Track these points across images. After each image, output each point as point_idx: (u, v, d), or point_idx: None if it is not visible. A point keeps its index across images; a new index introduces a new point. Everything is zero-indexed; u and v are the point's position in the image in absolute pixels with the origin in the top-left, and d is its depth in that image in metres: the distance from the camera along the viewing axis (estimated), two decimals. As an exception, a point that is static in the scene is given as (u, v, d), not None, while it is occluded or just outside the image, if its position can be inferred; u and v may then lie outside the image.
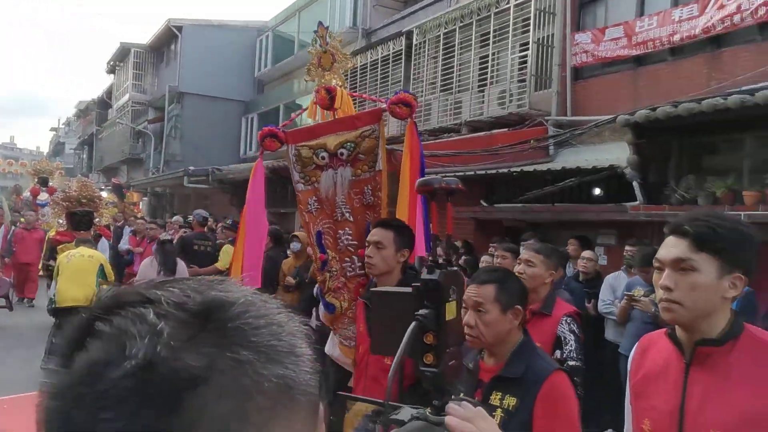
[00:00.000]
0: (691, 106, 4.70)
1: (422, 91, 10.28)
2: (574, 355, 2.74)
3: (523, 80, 8.23)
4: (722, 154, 5.63)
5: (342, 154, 3.45)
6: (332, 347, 3.35)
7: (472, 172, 7.43)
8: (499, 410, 1.94)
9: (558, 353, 2.73)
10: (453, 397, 0.76)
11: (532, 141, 7.38)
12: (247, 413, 0.42)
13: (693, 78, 6.45)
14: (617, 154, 6.16)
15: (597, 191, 6.89)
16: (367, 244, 2.82)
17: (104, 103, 30.13)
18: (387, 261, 2.75)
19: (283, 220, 14.52)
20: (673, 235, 1.56)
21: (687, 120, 4.91)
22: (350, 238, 3.39)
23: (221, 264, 7.78)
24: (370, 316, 2.81)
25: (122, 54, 24.99)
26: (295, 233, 8.01)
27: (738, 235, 1.50)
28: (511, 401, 1.92)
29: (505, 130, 8.24)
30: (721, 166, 5.52)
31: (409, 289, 0.77)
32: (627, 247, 5.35)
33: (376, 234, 2.78)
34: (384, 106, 3.48)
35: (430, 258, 0.75)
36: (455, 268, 0.77)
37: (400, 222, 2.87)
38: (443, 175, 5.98)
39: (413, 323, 0.70)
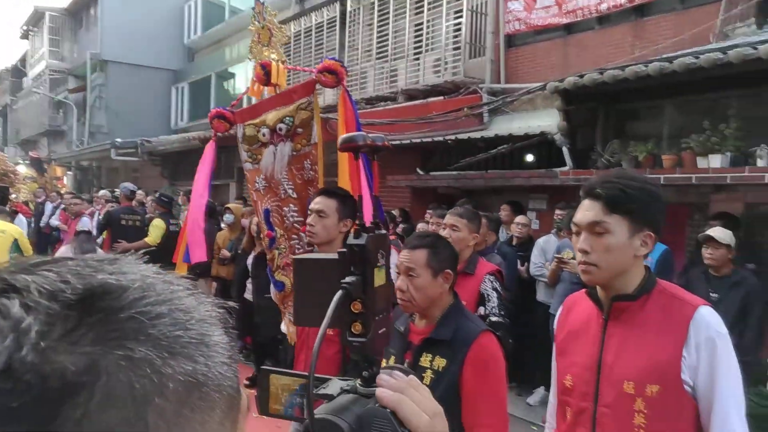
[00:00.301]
0: (616, 73, 4.84)
1: (358, 59, 10.14)
2: (497, 311, 2.84)
3: (458, 48, 8.24)
4: (644, 120, 5.87)
5: (281, 129, 3.37)
6: (284, 325, 3.32)
7: (408, 141, 7.43)
8: (429, 371, 1.96)
9: (481, 309, 2.81)
10: (384, 366, 0.72)
11: (465, 109, 7.43)
12: (145, 421, 0.35)
13: (619, 46, 6.65)
14: (549, 120, 6.30)
15: (529, 158, 7.06)
16: (309, 212, 2.77)
17: (18, 71, 28.10)
18: (329, 230, 2.69)
19: (216, 192, 14.13)
20: (588, 198, 1.60)
21: (612, 87, 5.07)
22: (296, 215, 3.34)
23: (151, 239, 7.49)
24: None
25: (36, 18, 23.31)
26: (228, 205, 7.83)
27: (646, 195, 1.55)
28: (440, 363, 1.95)
29: (441, 98, 8.26)
30: (643, 131, 5.75)
31: (333, 256, 0.71)
32: (557, 211, 5.52)
33: (318, 202, 2.72)
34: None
35: (357, 222, 0.71)
36: (383, 232, 0.73)
37: (344, 191, 2.82)
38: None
39: (339, 291, 0.66)
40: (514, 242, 5.84)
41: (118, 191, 9.34)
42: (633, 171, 1.72)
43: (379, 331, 0.71)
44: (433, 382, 1.94)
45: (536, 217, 6.77)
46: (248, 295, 5.99)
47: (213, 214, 7.27)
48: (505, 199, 6.51)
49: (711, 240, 4.20)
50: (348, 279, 0.67)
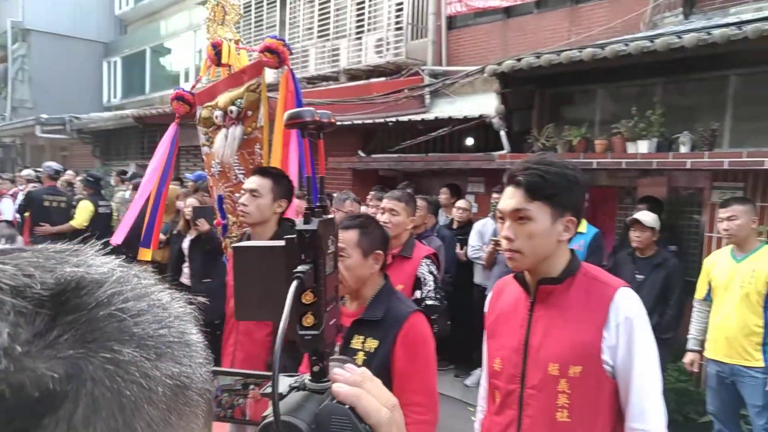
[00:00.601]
0: (552, 57, 4.92)
1: (299, 37, 9.91)
2: (433, 294, 2.86)
3: (400, 28, 8.17)
4: (579, 105, 6.02)
5: (232, 111, 3.31)
6: None
7: (350, 122, 7.35)
8: (360, 353, 1.96)
9: (418, 293, 2.83)
10: (332, 359, 0.67)
11: (406, 90, 7.41)
12: (134, 430, 0.31)
13: (556, 31, 6.77)
14: (488, 104, 6.36)
15: (470, 141, 7.13)
16: (242, 192, 2.70)
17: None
18: (262, 210, 2.64)
19: (153, 173, 13.61)
20: (510, 185, 1.62)
21: (548, 71, 5.16)
22: None
23: (77, 222, 7.13)
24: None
25: (-50, -18, 21.43)
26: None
27: (566, 180, 1.57)
28: (372, 344, 1.95)
29: (383, 79, 8.20)
30: (578, 115, 5.91)
31: (277, 243, 0.65)
32: (493, 195, 5.61)
33: (252, 181, 2.67)
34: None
35: (306, 205, 0.66)
36: (332, 216, 0.68)
37: (278, 170, 2.76)
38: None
39: (294, 282, 0.59)
40: (454, 225, 5.90)
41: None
42: (553, 156, 1.73)
43: (330, 323, 0.66)
44: (365, 363, 1.94)
45: (475, 201, 6.86)
46: (185, 279, 5.81)
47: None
48: (445, 182, 6.57)
49: (637, 223, 4.37)
50: (301, 268, 0.61)
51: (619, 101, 5.64)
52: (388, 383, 1.94)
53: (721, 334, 3.69)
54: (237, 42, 3.64)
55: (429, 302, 2.89)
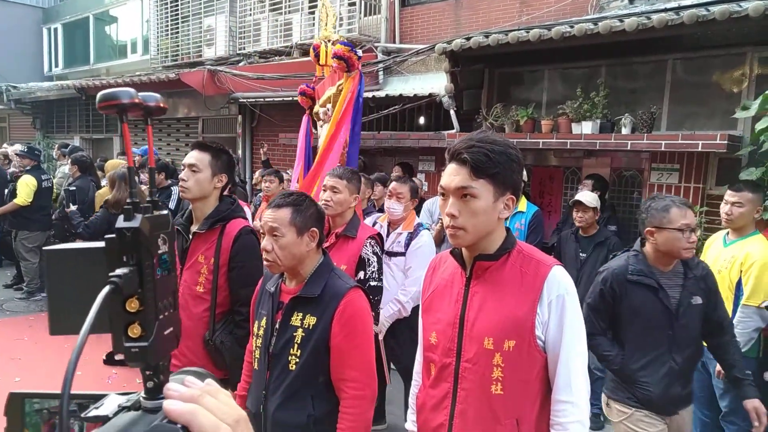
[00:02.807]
0: (500, 37, 4.97)
1: (251, 10, 9.65)
2: (377, 275, 2.86)
3: (353, 3, 8.07)
4: (527, 85, 6.11)
5: (329, 109, 3.48)
6: None
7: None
8: (300, 330, 1.97)
9: (362, 274, 2.83)
10: (186, 370, 0.61)
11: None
12: None
13: (507, 11, 6.82)
14: (441, 83, 6.38)
15: (421, 120, 7.15)
16: (182, 167, 2.65)
17: None
18: (201, 185, 2.60)
19: (98, 146, 13.12)
20: (454, 162, 1.61)
21: (497, 50, 5.20)
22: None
23: (20, 199, 6.82)
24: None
25: None
26: (106, 162, 7.31)
27: (508, 159, 1.58)
28: (311, 321, 1.96)
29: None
30: (526, 96, 6.00)
31: (96, 244, 0.58)
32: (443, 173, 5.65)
33: (191, 156, 2.62)
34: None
35: (129, 199, 0.59)
36: (165, 212, 0.61)
37: (218, 144, 2.71)
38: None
39: (106, 287, 0.53)
40: (375, 207, 5.93)
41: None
42: (495, 134, 1.73)
43: (165, 332, 0.59)
44: (304, 340, 1.95)
45: (425, 179, 6.91)
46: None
47: (86, 169, 6.74)
48: (397, 161, 6.58)
49: (580, 204, 4.50)
50: (118, 271, 0.54)
51: (566, 82, 5.76)
52: (327, 359, 1.96)
53: None
54: (335, 43, 3.80)
55: (372, 283, 2.89)
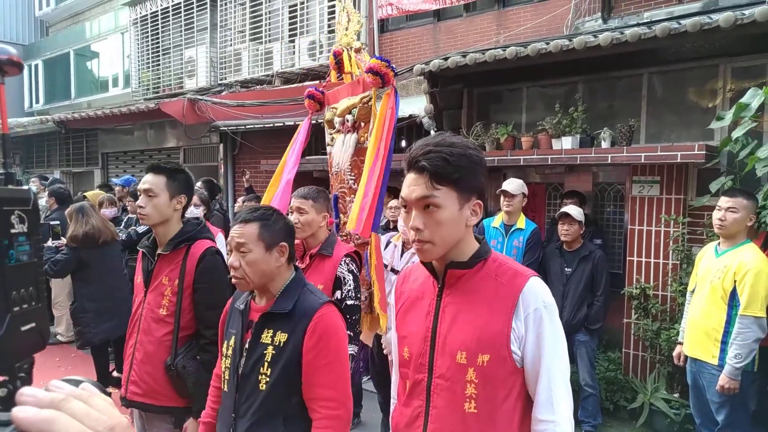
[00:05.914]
0: (477, 56, 4.99)
1: (231, 40, 9.72)
2: (353, 294, 2.78)
3: (333, 31, 8.14)
4: (506, 103, 6.14)
5: (348, 120, 3.38)
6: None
7: (281, 123, 7.24)
8: (270, 348, 1.88)
9: (338, 293, 2.74)
10: (67, 379, 0.52)
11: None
12: None
13: (484, 33, 6.91)
14: (421, 105, 6.40)
15: (403, 143, 7.15)
16: (138, 192, 2.58)
17: None
18: (160, 210, 2.53)
19: (79, 180, 13.00)
20: (412, 171, 1.49)
21: (475, 69, 5.23)
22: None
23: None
24: None
25: None
26: (86, 193, 7.18)
27: (469, 162, 1.47)
28: (282, 337, 1.88)
29: (317, 82, 8.12)
30: (505, 114, 6.03)
31: None
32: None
33: (146, 181, 2.55)
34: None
35: None
36: (25, 188, 0.55)
37: (173, 165, 2.64)
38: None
39: None
40: (390, 226, 5.89)
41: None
42: (453, 135, 1.63)
43: (23, 328, 0.51)
44: (274, 358, 1.86)
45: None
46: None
47: (63, 201, 6.62)
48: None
49: (566, 216, 4.48)
50: None
51: (545, 99, 5.80)
52: (299, 378, 1.86)
53: (692, 329, 3.60)
54: (358, 51, 3.66)
55: (349, 302, 2.81)
